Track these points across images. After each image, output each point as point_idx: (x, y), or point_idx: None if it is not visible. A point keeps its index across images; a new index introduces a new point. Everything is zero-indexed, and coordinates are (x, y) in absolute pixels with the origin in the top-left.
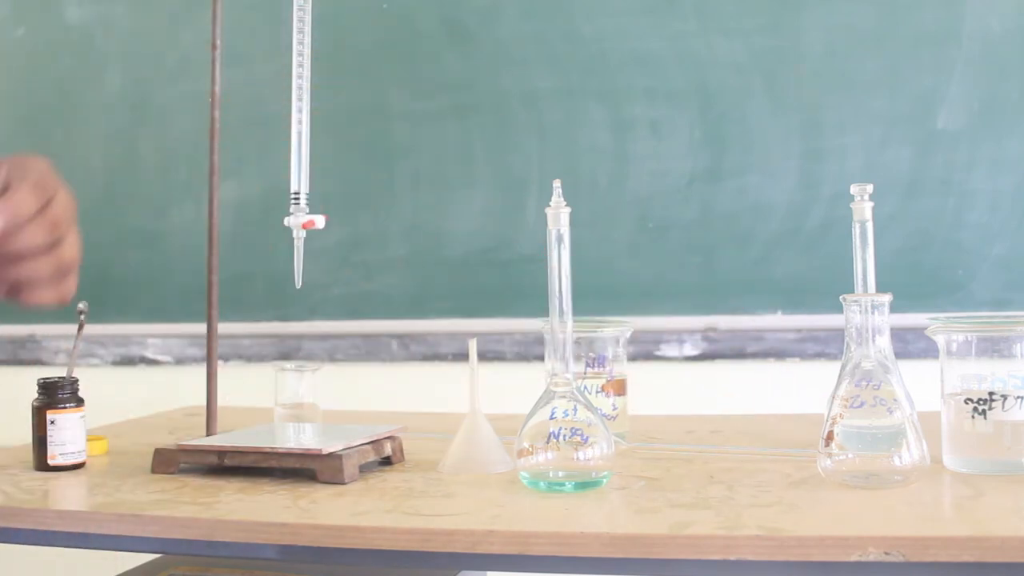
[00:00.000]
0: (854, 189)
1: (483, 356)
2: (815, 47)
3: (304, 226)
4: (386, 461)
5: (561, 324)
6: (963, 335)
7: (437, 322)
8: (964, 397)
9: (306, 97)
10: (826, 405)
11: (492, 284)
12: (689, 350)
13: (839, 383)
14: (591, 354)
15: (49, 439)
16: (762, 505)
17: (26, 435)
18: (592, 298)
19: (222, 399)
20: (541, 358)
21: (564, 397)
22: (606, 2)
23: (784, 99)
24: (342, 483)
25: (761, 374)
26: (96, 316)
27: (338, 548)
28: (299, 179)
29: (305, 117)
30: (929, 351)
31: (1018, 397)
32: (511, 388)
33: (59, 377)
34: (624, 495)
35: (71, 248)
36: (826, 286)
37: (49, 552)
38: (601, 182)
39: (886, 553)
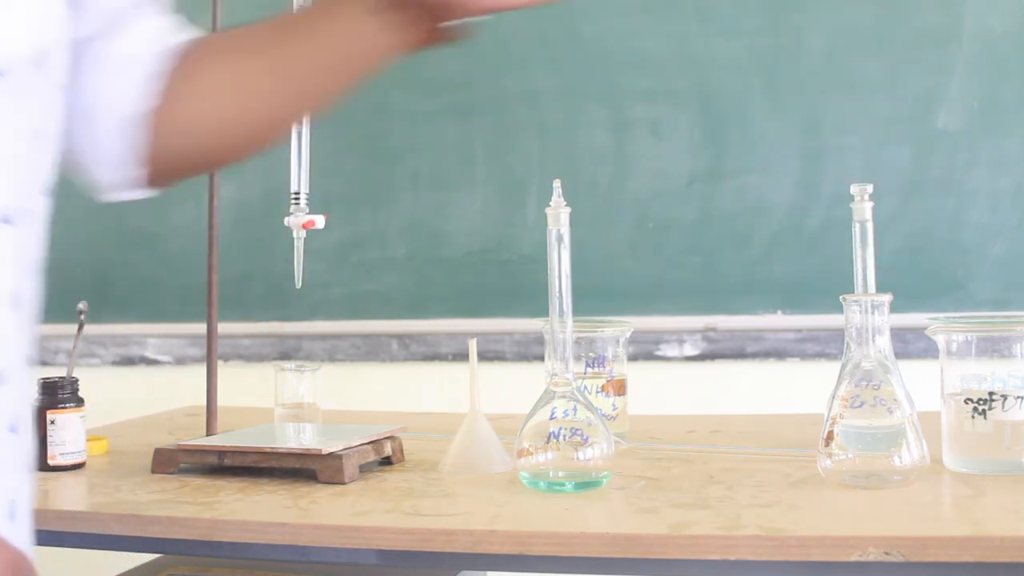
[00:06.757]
0: (854, 189)
1: (483, 356)
2: (815, 47)
3: (304, 226)
4: (386, 461)
5: (561, 324)
6: (963, 335)
7: (437, 322)
8: (964, 397)
9: None
10: (826, 405)
11: (492, 284)
12: (689, 350)
13: (839, 383)
14: (591, 354)
15: (49, 439)
16: (762, 505)
17: None
18: (592, 298)
19: (222, 399)
20: (541, 358)
21: (564, 397)
22: (606, 2)
23: (784, 99)
24: (342, 483)
25: (761, 374)
26: (96, 316)
27: (338, 548)
28: (299, 179)
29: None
30: (929, 351)
31: (1018, 397)
32: (511, 388)
33: (59, 377)
34: (624, 495)
35: None
36: (826, 286)
37: (49, 552)
38: (601, 182)
39: (886, 553)
